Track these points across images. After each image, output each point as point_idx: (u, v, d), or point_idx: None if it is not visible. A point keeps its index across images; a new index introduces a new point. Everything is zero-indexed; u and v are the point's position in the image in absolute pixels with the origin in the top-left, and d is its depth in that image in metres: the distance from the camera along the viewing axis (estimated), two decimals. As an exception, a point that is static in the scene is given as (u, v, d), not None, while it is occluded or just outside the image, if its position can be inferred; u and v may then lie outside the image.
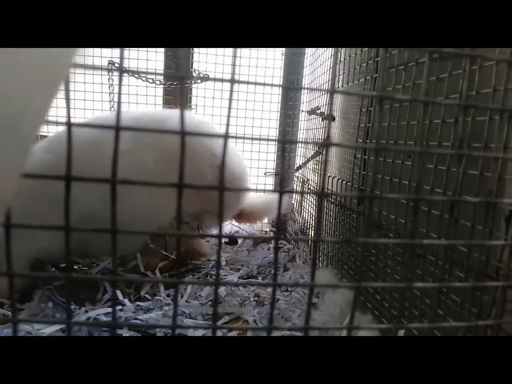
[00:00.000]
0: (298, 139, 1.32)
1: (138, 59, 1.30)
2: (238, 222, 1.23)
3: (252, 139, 0.26)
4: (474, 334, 0.45)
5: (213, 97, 1.36)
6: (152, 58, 1.31)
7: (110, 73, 1.24)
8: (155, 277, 0.93)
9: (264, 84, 0.33)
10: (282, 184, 0.26)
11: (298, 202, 1.31)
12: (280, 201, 0.26)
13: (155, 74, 1.29)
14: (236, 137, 0.26)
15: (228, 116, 0.25)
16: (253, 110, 1.35)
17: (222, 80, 0.26)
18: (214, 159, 0.97)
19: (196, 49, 1.35)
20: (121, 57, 0.23)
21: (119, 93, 0.23)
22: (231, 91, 0.24)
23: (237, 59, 1.34)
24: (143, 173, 0.88)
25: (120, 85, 0.23)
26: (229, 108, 0.25)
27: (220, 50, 1.35)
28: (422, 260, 0.60)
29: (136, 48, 1.29)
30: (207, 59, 1.35)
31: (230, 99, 0.25)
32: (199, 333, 0.69)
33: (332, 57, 1.00)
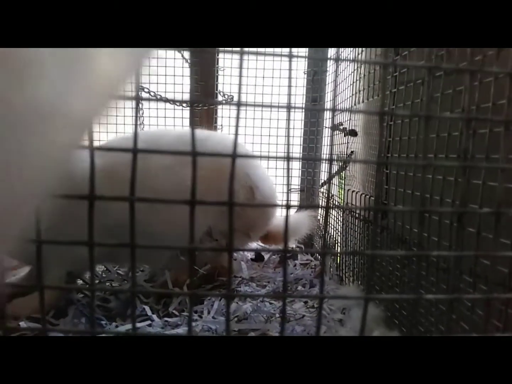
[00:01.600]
0: (321, 156, 1.33)
1: (165, 83, 1.36)
2: (264, 243, 1.23)
3: (261, 157, 0.28)
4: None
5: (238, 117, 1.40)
6: (179, 82, 1.37)
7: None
8: (170, 290, 0.96)
9: (291, 106, 0.35)
10: (288, 198, 0.27)
11: (323, 218, 1.31)
12: (287, 215, 0.27)
13: (181, 101, 1.34)
14: (243, 156, 0.28)
15: (236, 136, 0.27)
16: (276, 128, 1.37)
17: (231, 103, 0.28)
18: (247, 179, 1.01)
19: (220, 72, 1.40)
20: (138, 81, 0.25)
21: (136, 116, 0.25)
22: (238, 115, 0.26)
23: (260, 79, 1.38)
24: (182, 188, 0.91)
25: (137, 110, 0.26)
26: (236, 127, 0.27)
27: (244, 72, 1.39)
28: (447, 274, 0.59)
29: (163, 73, 1.35)
30: (231, 81, 1.39)
31: (237, 120, 0.27)
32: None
33: (351, 74, 1.01)
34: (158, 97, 1.24)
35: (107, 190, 0.27)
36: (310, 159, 1.31)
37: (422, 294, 0.29)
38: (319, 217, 1.33)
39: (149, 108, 1.39)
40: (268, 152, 1.36)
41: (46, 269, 0.83)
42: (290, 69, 0.31)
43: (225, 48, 0.29)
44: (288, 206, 0.27)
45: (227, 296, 0.28)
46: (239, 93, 0.27)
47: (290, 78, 0.32)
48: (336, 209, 1.13)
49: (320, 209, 1.29)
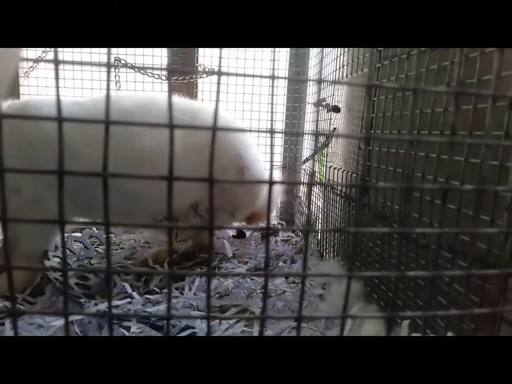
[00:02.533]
0: (304, 131, 1.32)
1: (143, 55, 1.31)
2: (247, 223, 1.21)
3: (243, 130, 0.26)
4: (475, 324, 0.45)
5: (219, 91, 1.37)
6: (157, 54, 1.32)
7: (116, 70, 1.25)
8: (150, 269, 0.95)
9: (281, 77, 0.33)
10: (272, 175, 0.26)
11: (305, 195, 1.31)
12: (270, 192, 0.26)
13: (160, 69, 1.30)
14: (223, 129, 0.27)
15: (216, 107, 0.25)
16: (259, 103, 1.35)
17: (213, 73, 0.26)
18: (239, 159, 1.00)
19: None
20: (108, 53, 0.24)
21: (108, 87, 0.24)
22: (218, 85, 0.25)
23: (243, 52, 1.34)
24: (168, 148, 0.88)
25: (108, 79, 0.24)
26: (217, 98, 0.25)
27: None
28: (426, 250, 0.59)
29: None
30: (212, 53, 1.35)
31: (218, 90, 0.25)
32: (198, 323, 0.71)
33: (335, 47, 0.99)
34: (130, 65, 1.19)
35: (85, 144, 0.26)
36: (294, 133, 1.30)
37: (405, 271, 0.28)
38: (301, 194, 1.33)
39: (126, 81, 1.34)
40: (250, 127, 1.34)
41: (21, 245, 0.82)
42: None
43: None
44: (271, 183, 0.26)
45: (207, 275, 0.27)
46: (220, 62, 0.25)
47: (273, 51, 0.30)
48: (318, 186, 1.13)
49: (302, 185, 1.29)
